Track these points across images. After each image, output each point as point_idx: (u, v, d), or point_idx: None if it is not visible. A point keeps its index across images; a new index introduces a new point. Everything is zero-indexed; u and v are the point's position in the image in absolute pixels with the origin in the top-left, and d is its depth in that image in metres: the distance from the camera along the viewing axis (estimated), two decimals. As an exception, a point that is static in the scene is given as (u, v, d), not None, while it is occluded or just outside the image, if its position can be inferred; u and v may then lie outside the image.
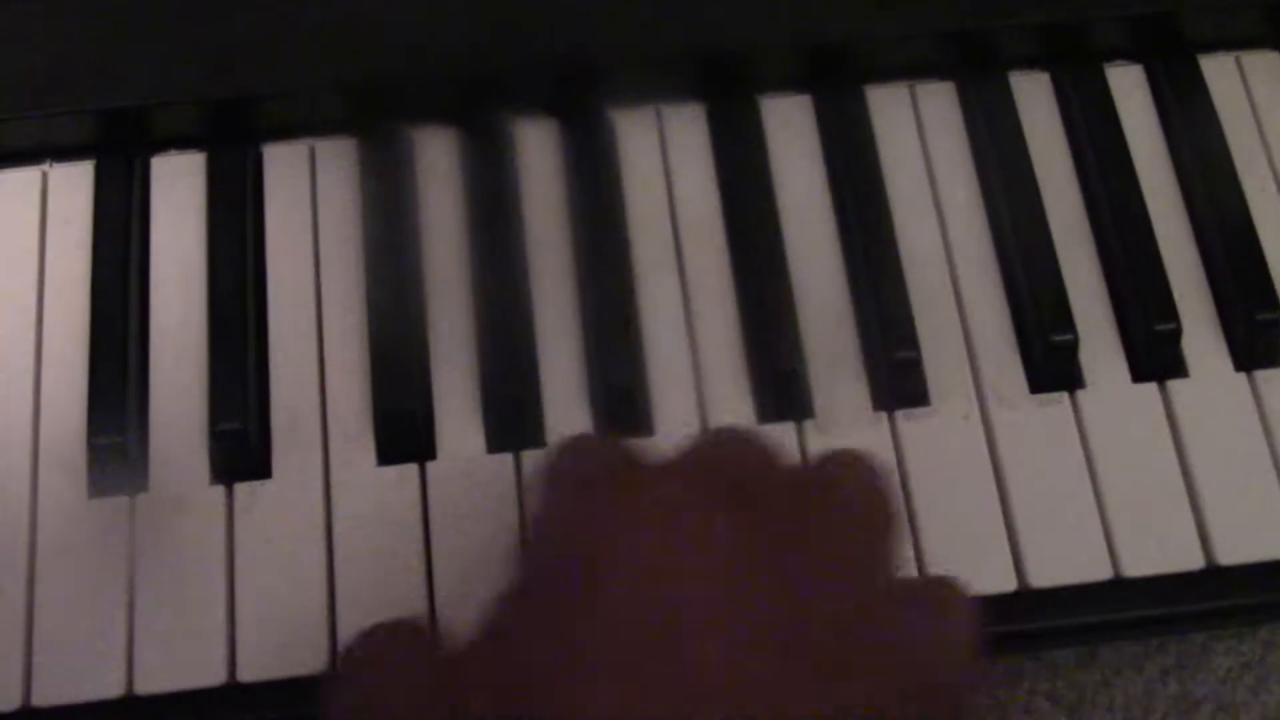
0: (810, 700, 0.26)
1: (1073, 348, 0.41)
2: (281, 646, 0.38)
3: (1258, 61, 0.46)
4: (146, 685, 0.38)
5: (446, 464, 0.40)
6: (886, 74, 0.46)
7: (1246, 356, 0.42)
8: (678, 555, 0.27)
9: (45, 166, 0.44)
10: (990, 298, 0.43)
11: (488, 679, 0.27)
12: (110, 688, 0.38)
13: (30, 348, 0.42)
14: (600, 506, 0.28)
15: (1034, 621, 0.40)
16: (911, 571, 0.39)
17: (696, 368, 0.42)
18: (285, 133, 0.45)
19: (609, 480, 0.29)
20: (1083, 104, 0.45)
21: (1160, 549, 0.40)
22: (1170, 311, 0.42)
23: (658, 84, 0.45)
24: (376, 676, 0.29)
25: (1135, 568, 0.39)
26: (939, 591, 0.32)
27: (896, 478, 0.38)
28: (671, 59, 0.45)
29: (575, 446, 0.32)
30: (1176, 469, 0.40)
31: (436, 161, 0.44)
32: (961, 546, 0.40)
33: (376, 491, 0.40)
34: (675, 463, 0.30)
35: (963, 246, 0.43)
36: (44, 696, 0.38)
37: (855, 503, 0.31)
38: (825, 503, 0.30)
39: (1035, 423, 0.41)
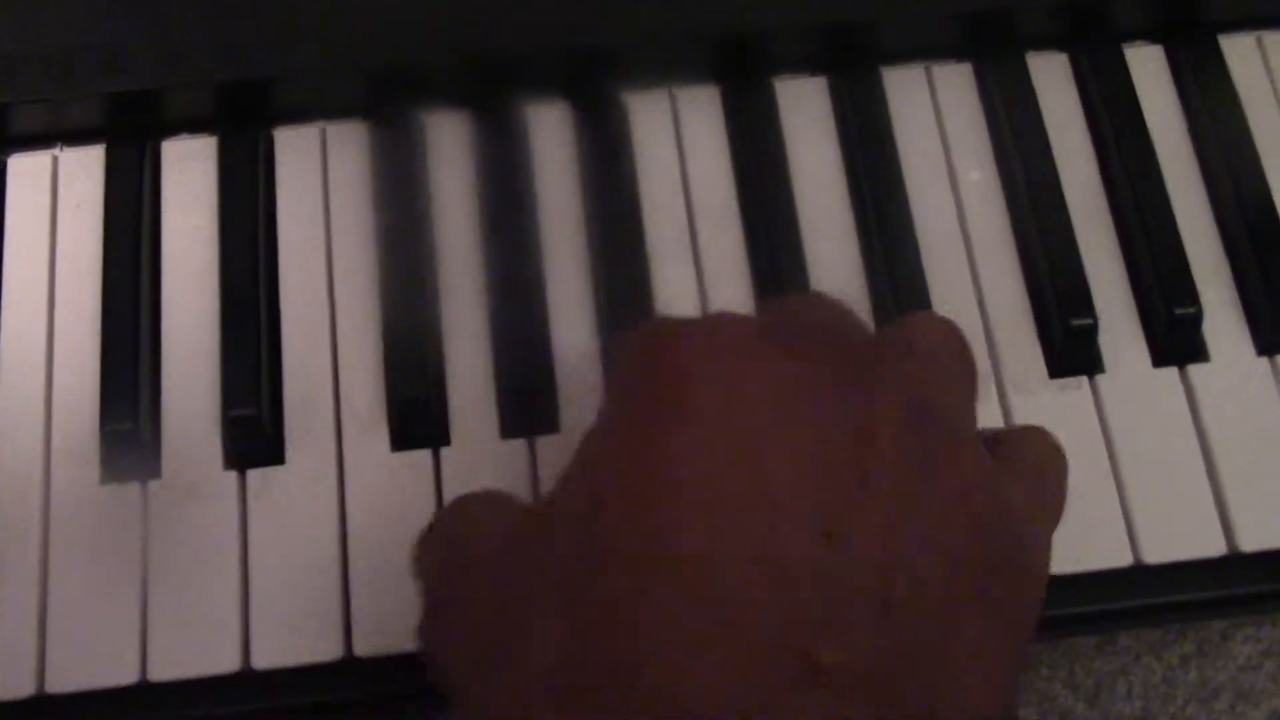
0: (879, 516, 0.26)
1: (1092, 332, 0.41)
2: (295, 633, 0.38)
3: (1280, 41, 0.46)
4: (160, 672, 0.38)
5: (460, 450, 0.40)
6: (902, 55, 0.45)
7: (1269, 340, 0.41)
8: (747, 387, 0.27)
9: (56, 151, 0.44)
10: (1008, 281, 0.42)
11: (572, 509, 0.28)
12: (124, 675, 0.38)
13: (42, 334, 0.41)
14: (677, 347, 0.28)
15: (1053, 608, 0.39)
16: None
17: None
18: (296, 116, 0.44)
19: (687, 326, 0.29)
20: (1101, 85, 0.45)
21: (1181, 535, 0.39)
22: (1191, 295, 0.41)
23: (671, 66, 0.45)
24: (465, 524, 0.31)
25: (1156, 554, 0.39)
26: (1027, 442, 0.33)
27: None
28: (685, 40, 0.44)
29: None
30: (1198, 454, 0.40)
31: (448, 145, 0.44)
32: (979, 533, 0.39)
33: (390, 478, 0.40)
34: (754, 318, 0.31)
35: (980, 229, 0.43)
36: (58, 683, 0.38)
37: (928, 350, 0.31)
38: (902, 354, 0.30)
39: (1054, 408, 0.41)
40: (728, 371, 0.27)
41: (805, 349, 0.29)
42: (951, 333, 0.33)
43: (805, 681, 0.25)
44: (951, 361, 0.32)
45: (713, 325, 0.29)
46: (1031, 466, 0.32)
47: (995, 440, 0.32)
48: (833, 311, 0.32)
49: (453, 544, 0.31)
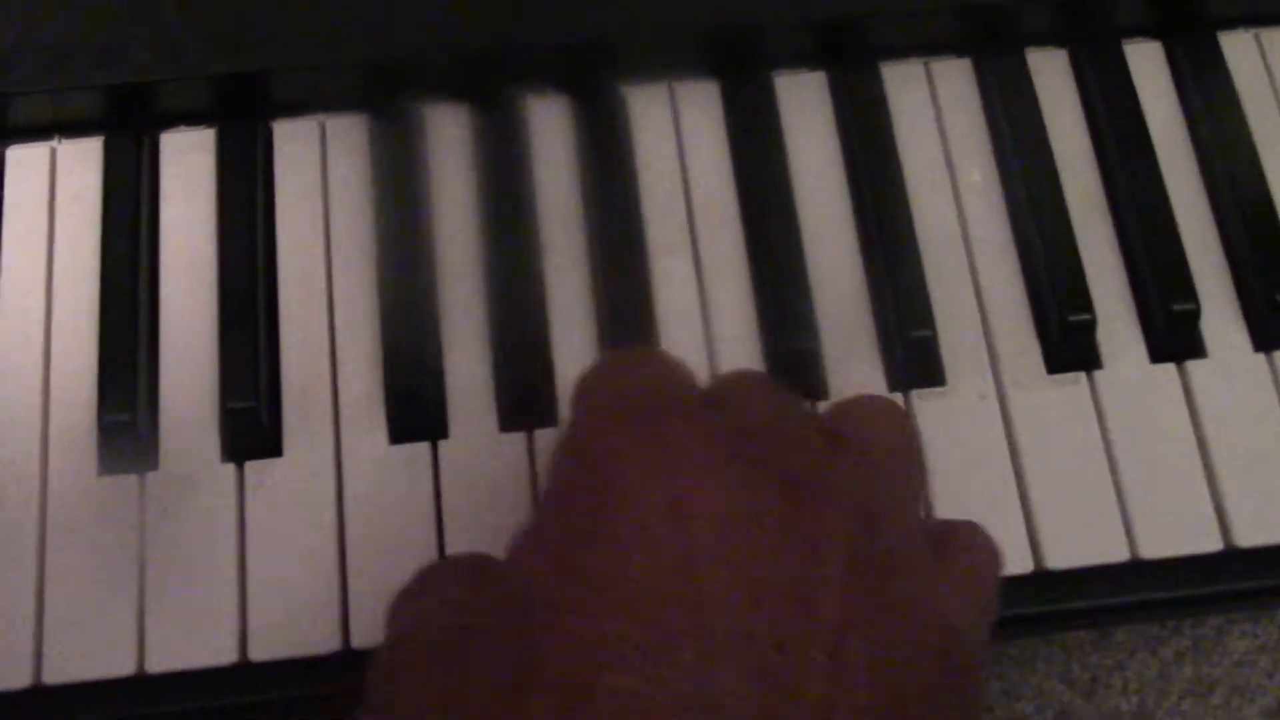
0: (822, 645, 0.25)
1: (1090, 327, 0.41)
2: (292, 625, 0.38)
3: (1278, 38, 0.46)
4: (157, 664, 0.38)
5: (458, 443, 0.40)
6: (902, 51, 0.45)
7: (1266, 337, 0.42)
8: (691, 501, 0.26)
9: (54, 143, 0.44)
10: (1007, 277, 0.42)
11: (503, 620, 0.27)
12: (121, 666, 0.38)
13: (40, 325, 0.41)
14: (616, 447, 0.27)
15: (1049, 603, 0.40)
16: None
17: (710, 347, 0.41)
18: (296, 109, 0.44)
19: (629, 418, 0.28)
20: (1100, 81, 0.45)
21: (1178, 531, 0.39)
22: (1189, 291, 0.41)
23: (671, 60, 0.45)
24: (423, 600, 0.30)
25: (1152, 550, 0.39)
26: (963, 537, 0.32)
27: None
28: (685, 35, 0.44)
29: (604, 369, 0.32)
30: (1195, 450, 0.40)
31: (448, 138, 0.44)
32: (977, 527, 0.39)
33: (388, 470, 0.40)
34: (696, 405, 0.29)
35: (979, 225, 0.43)
36: (54, 674, 0.38)
37: (874, 449, 0.30)
38: (843, 451, 0.30)
39: (1052, 403, 0.41)
40: (672, 489, 0.26)
41: (752, 455, 0.27)
42: (900, 425, 0.32)
43: None
44: (901, 458, 0.31)
45: (658, 429, 0.27)
46: (971, 572, 0.31)
47: (935, 537, 0.31)
48: (775, 400, 0.31)
49: (393, 638, 0.29)
